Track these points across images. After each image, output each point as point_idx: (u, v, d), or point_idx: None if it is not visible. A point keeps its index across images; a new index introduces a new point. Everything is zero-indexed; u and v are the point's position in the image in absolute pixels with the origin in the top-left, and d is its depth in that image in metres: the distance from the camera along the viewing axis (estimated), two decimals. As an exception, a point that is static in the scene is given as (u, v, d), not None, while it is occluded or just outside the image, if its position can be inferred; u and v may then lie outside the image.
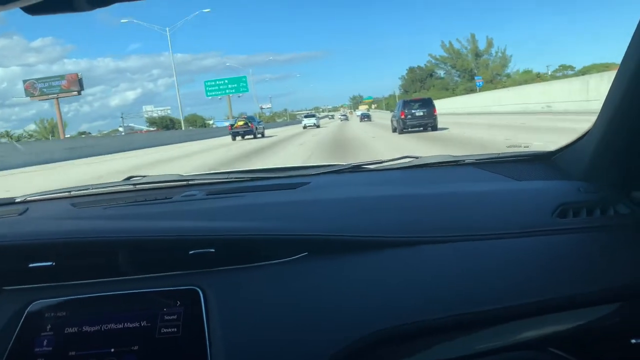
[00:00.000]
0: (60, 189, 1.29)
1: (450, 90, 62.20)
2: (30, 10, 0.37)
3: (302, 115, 54.96)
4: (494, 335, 0.77)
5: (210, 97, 64.41)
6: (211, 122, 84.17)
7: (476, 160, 1.27)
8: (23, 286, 0.82)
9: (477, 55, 63.32)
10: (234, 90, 63.24)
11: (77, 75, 44.88)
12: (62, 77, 44.88)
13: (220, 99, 65.06)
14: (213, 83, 64.14)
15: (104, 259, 0.83)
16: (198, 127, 70.61)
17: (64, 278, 0.82)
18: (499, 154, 1.31)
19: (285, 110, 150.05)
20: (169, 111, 75.18)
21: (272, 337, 0.72)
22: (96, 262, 0.83)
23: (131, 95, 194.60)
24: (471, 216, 0.91)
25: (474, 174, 1.20)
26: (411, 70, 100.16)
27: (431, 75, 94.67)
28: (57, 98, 44.51)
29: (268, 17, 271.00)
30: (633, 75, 0.74)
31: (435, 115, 17.41)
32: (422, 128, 17.18)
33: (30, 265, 0.80)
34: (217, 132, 47.84)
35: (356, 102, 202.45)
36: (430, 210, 0.95)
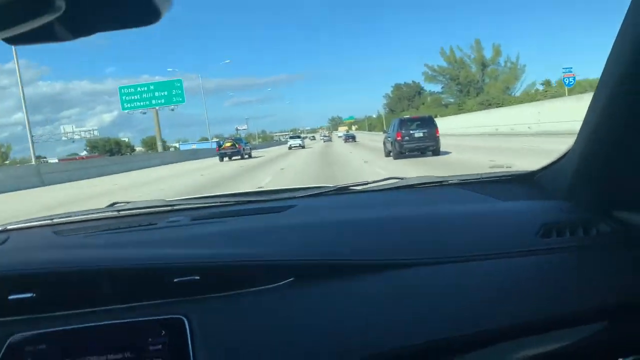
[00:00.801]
0: (43, 217, 1.27)
1: (455, 107, 52.04)
2: (11, 40, 0.36)
3: (287, 137, 52.70)
4: (477, 358, 0.77)
5: (127, 112, 46.38)
6: (177, 144, 74.68)
7: (460, 180, 1.30)
8: (3, 318, 0.80)
9: (484, 64, 53.58)
10: (163, 101, 44.64)
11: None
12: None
13: (144, 113, 46.81)
14: (133, 90, 45.01)
15: (87, 288, 0.81)
16: (158, 151, 60.88)
17: (45, 309, 0.79)
18: (482, 174, 1.34)
19: (264, 131, 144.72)
20: (96, 132, 62.66)
21: None
22: (79, 292, 0.81)
23: (107, 117, 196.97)
24: (456, 238, 0.92)
25: (458, 195, 1.22)
26: (397, 87, 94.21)
27: (419, 93, 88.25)
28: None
29: (246, 41, 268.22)
30: (610, 93, 0.76)
31: (438, 136, 15.16)
32: (421, 152, 15.24)
33: (10, 297, 0.78)
34: (176, 157, 38.39)
35: (335, 123, 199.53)
36: (416, 233, 0.96)
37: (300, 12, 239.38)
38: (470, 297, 0.78)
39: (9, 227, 1.21)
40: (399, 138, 14.87)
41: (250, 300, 0.79)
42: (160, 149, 45.18)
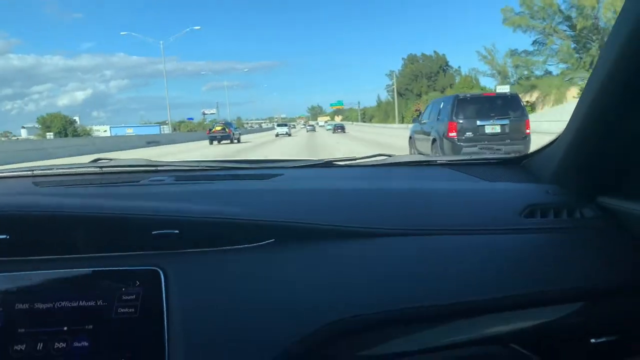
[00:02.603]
0: (22, 168, 1.25)
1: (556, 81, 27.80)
2: None
3: (275, 124, 55.07)
4: (455, 330, 0.79)
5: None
6: (101, 128, 52.00)
7: (448, 161, 1.32)
8: None
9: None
10: None
11: None
12: None
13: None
14: None
15: (62, 234, 0.80)
16: (55, 137, 39.00)
17: (18, 253, 0.78)
18: (471, 156, 1.34)
19: (238, 118, 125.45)
20: None
21: (232, 322, 0.72)
22: (54, 237, 0.79)
23: (81, 95, 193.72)
24: (440, 211, 0.93)
25: (445, 174, 1.23)
26: (412, 59, 68.31)
27: (444, 70, 62.83)
28: None
29: (226, 24, 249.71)
30: (603, 82, 0.76)
31: (528, 134, 8.21)
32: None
33: None
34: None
35: (315, 113, 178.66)
36: (400, 204, 0.97)
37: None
38: (449, 269, 0.79)
39: None
40: (452, 133, 8.01)
41: (229, 258, 0.79)
42: None
